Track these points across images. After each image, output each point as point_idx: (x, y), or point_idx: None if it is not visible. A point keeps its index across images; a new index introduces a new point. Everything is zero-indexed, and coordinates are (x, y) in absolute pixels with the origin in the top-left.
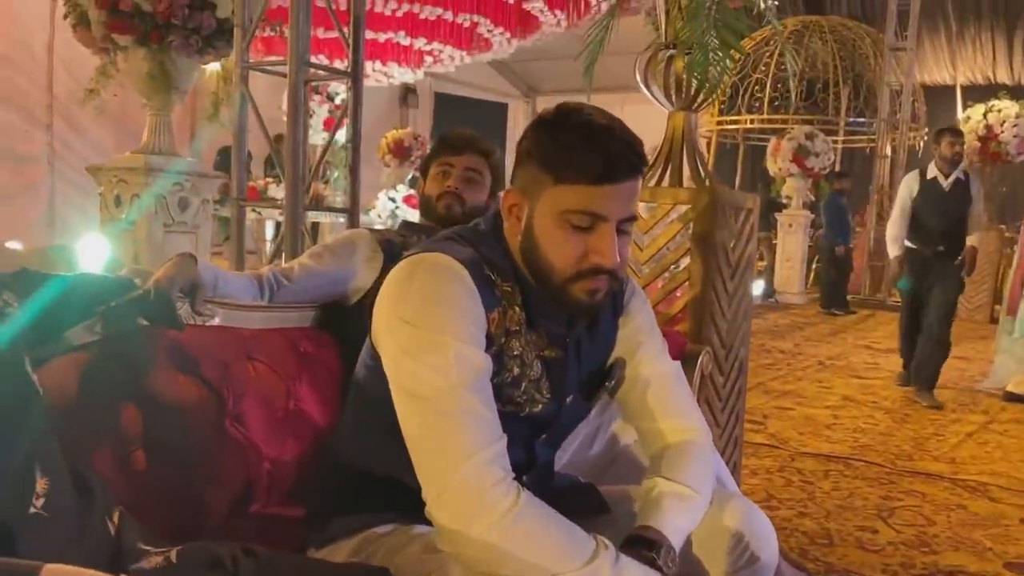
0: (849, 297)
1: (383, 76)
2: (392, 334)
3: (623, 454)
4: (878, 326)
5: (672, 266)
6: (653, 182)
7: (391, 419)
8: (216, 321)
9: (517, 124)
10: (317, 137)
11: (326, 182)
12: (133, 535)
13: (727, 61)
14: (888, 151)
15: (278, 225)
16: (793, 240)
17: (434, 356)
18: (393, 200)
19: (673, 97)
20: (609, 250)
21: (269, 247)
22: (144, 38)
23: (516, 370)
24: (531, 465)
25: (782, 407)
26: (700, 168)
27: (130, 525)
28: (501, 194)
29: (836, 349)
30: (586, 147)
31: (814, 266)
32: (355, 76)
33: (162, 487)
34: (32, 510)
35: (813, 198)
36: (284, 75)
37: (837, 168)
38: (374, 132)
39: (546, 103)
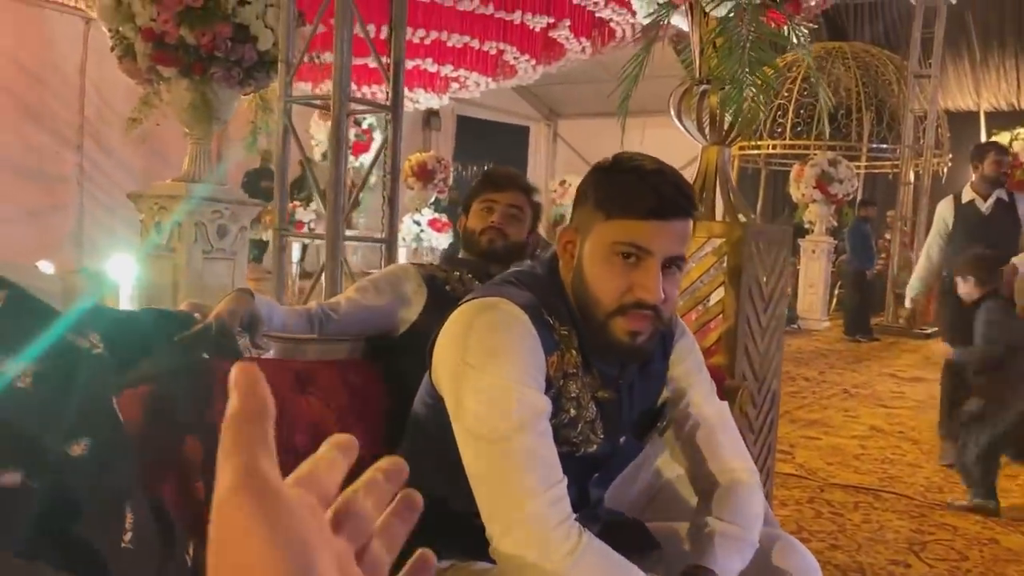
0: (875, 323)
1: (409, 102)
2: (455, 378)
3: (665, 490)
4: (902, 354)
5: (705, 299)
6: None
7: (452, 456)
8: (271, 354)
9: (538, 147)
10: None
11: (355, 205)
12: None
13: (761, 97)
14: (911, 177)
15: (304, 247)
16: (816, 266)
17: (498, 400)
18: (418, 224)
19: (707, 131)
20: (653, 285)
21: (295, 268)
22: (187, 70)
23: (573, 411)
24: (584, 504)
25: (809, 436)
26: (733, 202)
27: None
28: (558, 230)
29: (861, 377)
30: (637, 186)
31: (836, 292)
32: (395, 111)
33: None
34: (122, 544)
35: (835, 224)
36: (326, 108)
37: (860, 194)
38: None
39: (567, 126)
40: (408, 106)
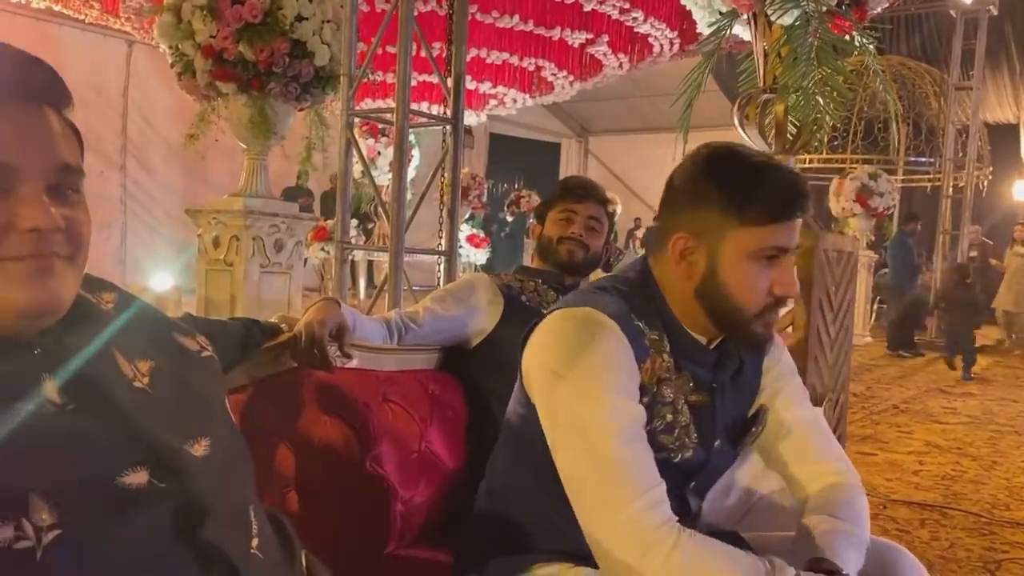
0: (920, 339)
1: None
2: (547, 389)
3: (760, 503)
4: (948, 370)
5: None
6: None
7: (549, 463)
8: (354, 363)
9: (570, 163)
10: (383, 178)
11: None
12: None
13: (831, 104)
14: (951, 191)
15: (352, 264)
16: (858, 281)
17: (590, 410)
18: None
19: (771, 140)
20: (793, 281)
21: (331, 285)
22: (246, 85)
23: (669, 416)
24: (684, 513)
25: (863, 452)
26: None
27: (319, 567)
28: (673, 238)
29: (909, 392)
30: (766, 187)
31: (875, 307)
32: (456, 123)
33: (310, 528)
34: (251, 549)
35: (873, 238)
36: (389, 122)
37: (900, 207)
38: (431, 171)
39: (597, 142)
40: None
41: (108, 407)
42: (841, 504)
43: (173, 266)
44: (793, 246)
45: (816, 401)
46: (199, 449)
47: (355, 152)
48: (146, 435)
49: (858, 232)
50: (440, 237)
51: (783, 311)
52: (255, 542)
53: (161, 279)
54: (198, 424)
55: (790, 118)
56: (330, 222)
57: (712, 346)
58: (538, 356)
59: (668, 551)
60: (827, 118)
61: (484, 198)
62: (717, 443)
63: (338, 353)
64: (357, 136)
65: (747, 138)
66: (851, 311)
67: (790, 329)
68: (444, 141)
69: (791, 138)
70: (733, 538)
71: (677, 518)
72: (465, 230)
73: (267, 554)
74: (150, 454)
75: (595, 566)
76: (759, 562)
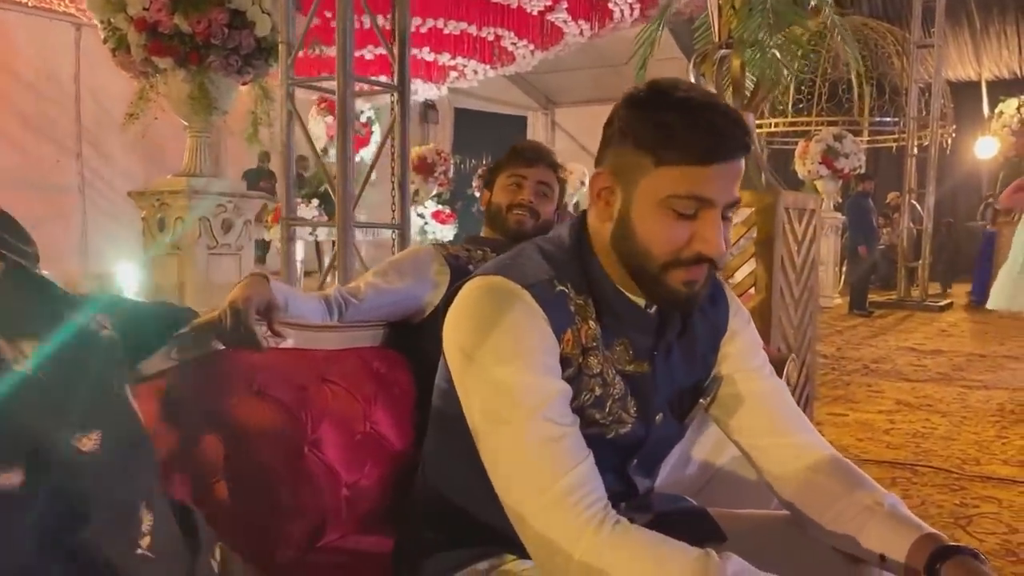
0: (888, 298)
1: None
2: (459, 371)
3: (720, 473)
4: (918, 327)
5: (736, 272)
6: None
7: (472, 444)
8: (289, 343)
9: (536, 135)
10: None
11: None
12: (237, 573)
13: (789, 57)
14: (915, 150)
15: (316, 244)
16: (825, 243)
17: (501, 392)
18: (422, 216)
19: (729, 97)
20: (716, 238)
21: (299, 268)
22: (183, 59)
23: (598, 390)
24: (629, 494)
25: (834, 413)
26: (760, 170)
27: (233, 563)
28: (591, 175)
29: (879, 352)
30: (689, 124)
31: (843, 268)
32: (402, 89)
33: (242, 519)
34: (139, 551)
35: (840, 200)
36: (331, 91)
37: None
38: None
39: (564, 114)
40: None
41: None
42: (854, 473)
43: (137, 254)
44: (723, 200)
45: (780, 360)
46: (87, 444)
47: (297, 124)
48: (23, 428)
49: (825, 194)
50: (393, 211)
51: (740, 274)
52: (146, 541)
53: (123, 269)
54: (89, 414)
55: (747, 73)
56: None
57: (653, 309)
58: (449, 334)
59: (593, 535)
60: (785, 72)
61: (451, 174)
62: (659, 417)
63: (268, 333)
64: (315, 114)
65: None
66: (815, 270)
67: (752, 291)
68: (392, 109)
69: (748, 95)
70: (701, 515)
71: (612, 500)
72: (431, 207)
73: (161, 553)
74: (30, 450)
75: None
76: (698, 552)
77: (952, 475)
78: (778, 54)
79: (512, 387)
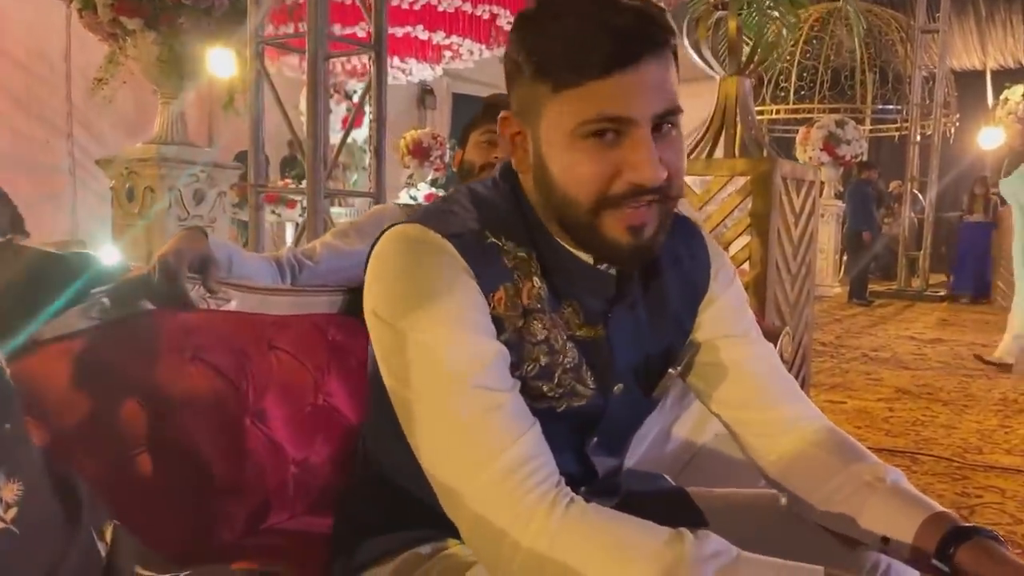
0: (888, 288)
1: (401, 72)
2: (375, 336)
3: (703, 451)
4: (919, 316)
5: (730, 245)
6: (705, 154)
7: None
8: (232, 306)
9: None
10: (335, 137)
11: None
12: (129, 557)
13: (789, 18)
14: (918, 138)
15: (300, 227)
16: (825, 230)
17: (421, 356)
18: (414, 199)
19: (726, 62)
20: (646, 161)
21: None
22: (153, 20)
23: (543, 359)
24: (589, 477)
25: (832, 401)
26: (757, 137)
27: (126, 544)
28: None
29: (879, 341)
30: (582, 31)
31: (844, 257)
32: (378, 49)
33: (170, 497)
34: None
35: (841, 187)
36: (302, 50)
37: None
38: (392, 133)
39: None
40: (400, 78)
41: None
42: (852, 445)
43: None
44: (647, 113)
45: (774, 333)
46: None
47: (266, 84)
48: None
49: (826, 181)
50: (367, 181)
51: (735, 247)
52: (11, 514)
53: (109, 252)
54: None
55: (743, 36)
56: (280, 183)
57: (605, 265)
58: (366, 293)
59: (544, 518)
60: (784, 33)
61: (447, 159)
62: (618, 387)
63: (205, 292)
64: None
65: (699, 60)
66: (814, 245)
67: (746, 266)
68: (370, 72)
69: (744, 59)
70: (678, 496)
71: (570, 485)
72: (424, 188)
73: (28, 528)
74: None
75: None
76: (669, 532)
77: (953, 464)
78: (777, 13)
79: (436, 352)
